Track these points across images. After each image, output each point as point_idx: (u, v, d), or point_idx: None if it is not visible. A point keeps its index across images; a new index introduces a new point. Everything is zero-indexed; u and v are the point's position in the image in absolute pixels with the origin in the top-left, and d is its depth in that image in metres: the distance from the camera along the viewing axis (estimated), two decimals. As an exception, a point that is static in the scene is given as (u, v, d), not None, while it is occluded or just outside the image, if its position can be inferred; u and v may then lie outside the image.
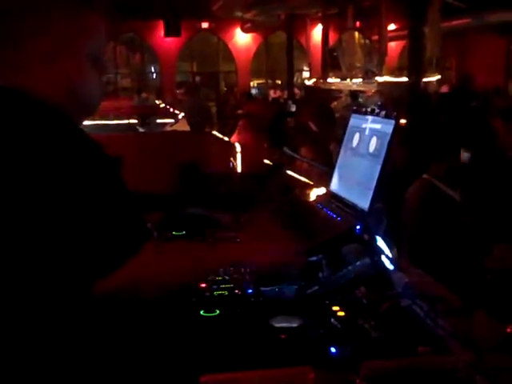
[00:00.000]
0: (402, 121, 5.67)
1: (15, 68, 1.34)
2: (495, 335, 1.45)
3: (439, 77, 13.87)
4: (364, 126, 1.79)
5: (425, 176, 3.64)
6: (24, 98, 1.30)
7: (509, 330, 1.31)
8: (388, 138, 1.59)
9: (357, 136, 1.82)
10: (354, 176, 1.79)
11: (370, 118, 1.76)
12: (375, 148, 1.66)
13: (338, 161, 1.94)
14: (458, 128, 3.98)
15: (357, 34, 18.12)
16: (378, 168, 1.60)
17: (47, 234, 1.19)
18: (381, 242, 1.63)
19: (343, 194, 1.84)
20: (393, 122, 1.59)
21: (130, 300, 1.29)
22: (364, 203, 1.63)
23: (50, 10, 1.35)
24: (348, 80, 15.91)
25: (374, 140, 1.68)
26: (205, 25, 21.55)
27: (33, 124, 1.25)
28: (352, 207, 1.73)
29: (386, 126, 1.63)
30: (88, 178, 1.23)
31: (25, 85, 1.31)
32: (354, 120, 1.89)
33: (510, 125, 6.16)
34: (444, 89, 14.50)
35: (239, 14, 17.83)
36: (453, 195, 3.62)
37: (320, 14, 18.70)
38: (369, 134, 1.73)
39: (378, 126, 1.69)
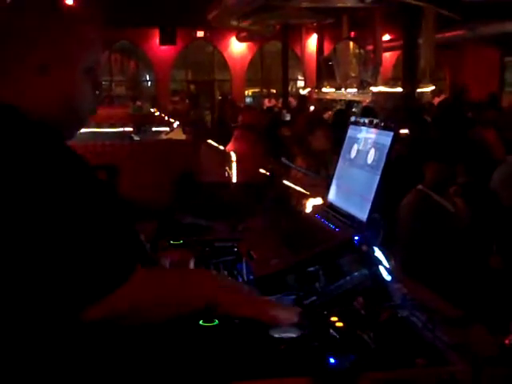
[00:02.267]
0: (403, 131, 5.68)
1: (9, 81, 1.33)
2: (492, 347, 1.45)
3: (433, 87, 13.94)
4: (362, 137, 1.80)
5: (419, 187, 3.66)
6: (13, 113, 1.29)
7: (507, 341, 1.31)
8: (387, 149, 1.60)
9: (355, 147, 1.83)
10: (352, 187, 1.80)
11: (368, 129, 1.77)
12: (373, 159, 1.67)
13: (336, 171, 1.95)
14: (454, 139, 4.01)
15: (351, 43, 18.19)
16: (377, 179, 1.61)
17: (34, 257, 1.17)
18: (378, 253, 1.64)
19: (341, 204, 1.85)
20: (391, 133, 1.60)
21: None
22: (362, 214, 1.64)
23: (46, 23, 1.35)
24: (343, 90, 15.98)
25: (372, 151, 1.69)
26: (200, 33, 21.59)
27: (18, 139, 1.24)
28: (350, 218, 1.73)
29: (385, 138, 1.64)
30: (75, 198, 1.21)
31: (18, 98, 1.31)
32: (352, 131, 1.90)
33: (501, 135, 6.21)
34: (437, 100, 14.56)
35: (235, 23, 17.87)
36: (447, 206, 3.64)
37: (315, 24, 18.82)
38: (367, 145, 1.74)
39: (376, 138, 1.70)
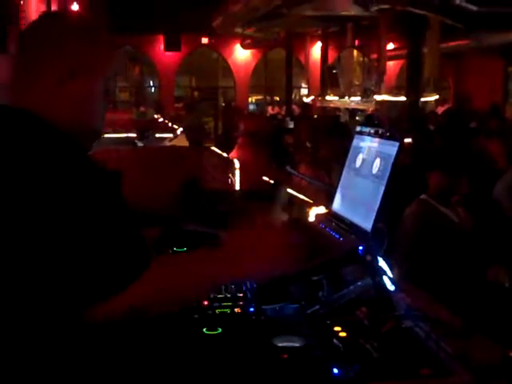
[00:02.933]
0: (407, 140, 5.68)
1: (36, 90, 1.35)
2: (495, 358, 1.45)
3: (437, 97, 13.95)
4: (367, 146, 1.80)
5: (423, 196, 3.66)
6: (30, 118, 1.30)
7: (511, 353, 1.31)
8: (392, 159, 1.61)
9: (360, 157, 1.83)
10: (356, 196, 1.80)
11: (373, 139, 1.77)
12: (379, 169, 1.67)
13: (341, 181, 1.95)
14: (457, 149, 4.00)
15: (356, 52, 18.22)
16: (382, 189, 1.61)
17: (46, 255, 1.19)
18: (382, 263, 1.64)
19: (345, 214, 1.85)
20: (397, 143, 1.61)
21: (132, 321, 1.29)
22: (367, 224, 1.64)
23: (71, 34, 1.37)
24: (346, 98, 16.00)
25: (377, 161, 1.69)
26: (204, 40, 21.65)
27: (34, 144, 1.26)
28: (354, 227, 1.73)
29: (390, 148, 1.64)
30: (89, 200, 1.23)
31: (37, 105, 1.32)
32: (357, 140, 1.91)
33: (505, 145, 6.22)
34: (441, 109, 14.57)
35: (239, 30, 17.93)
36: (450, 215, 3.64)
37: (319, 32, 18.84)
38: (372, 155, 1.74)
39: (381, 148, 1.70)
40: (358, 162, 1.84)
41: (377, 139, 1.75)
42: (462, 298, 2.85)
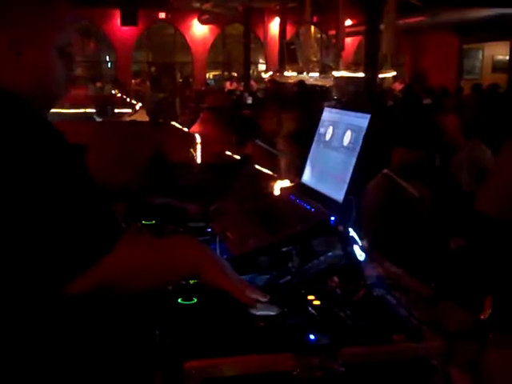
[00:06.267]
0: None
1: None
2: (463, 322, 1.50)
3: (395, 73, 14.09)
4: (338, 120, 1.82)
5: (385, 171, 3.72)
6: None
7: (482, 317, 1.36)
8: (363, 132, 1.63)
9: (330, 130, 1.86)
10: (327, 168, 1.82)
11: (344, 112, 1.80)
12: (350, 141, 1.69)
13: (310, 153, 1.97)
14: (418, 125, 4.07)
15: (313, 28, 18.23)
16: (353, 161, 1.64)
17: (13, 230, 1.17)
18: (353, 234, 1.67)
19: (315, 185, 1.87)
20: (368, 116, 1.63)
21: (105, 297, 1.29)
22: (338, 195, 1.67)
23: (17, 3, 1.34)
24: (305, 74, 16.03)
25: (348, 133, 1.71)
26: (162, 15, 21.37)
27: None
28: (325, 199, 1.76)
29: (361, 120, 1.66)
30: (55, 171, 1.21)
31: None
32: (327, 114, 1.93)
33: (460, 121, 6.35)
34: (397, 85, 14.73)
35: (197, 4, 17.76)
36: (411, 190, 3.71)
37: (278, 8, 18.77)
38: (343, 127, 1.76)
39: (352, 120, 1.72)
40: (328, 135, 1.86)
41: (347, 112, 1.77)
42: (426, 268, 2.92)
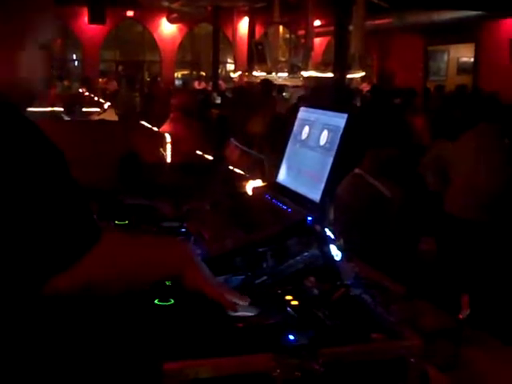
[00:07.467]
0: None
1: None
2: (439, 322, 1.51)
3: (363, 73, 14.20)
4: (314, 119, 1.82)
5: (356, 171, 3.74)
6: None
7: (460, 316, 1.37)
8: (340, 131, 1.63)
9: (306, 129, 1.85)
10: (303, 168, 1.81)
11: (320, 111, 1.79)
12: (326, 141, 1.69)
13: (286, 153, 1.97)
14: (389, 126, 4.10)
15: (282, 28, 18.27)
16: (330, 160, 1.63)
17: None
18: (329, 234, 1.67)
19: (291, 185, 1.86)
20: (345, 115, 1.63)
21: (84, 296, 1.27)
22: (315, 195, 1.67)
23: None
24: (273, 74, 16.06)
25: (325, 133, 1.71)
26: (130, 13, 21.21)
27: None
28: (301, 198, 1.75)
29: (339, 120, 1.66)
30: (36, 169, 1.19)
31: None
32: (303, 113, 1.92)
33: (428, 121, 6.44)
34: (365, 86, 14.85)
35: (165, 3, 17.65)
36: (382, 189, 3.73)
37: (247, 8, 18.77)
38: (320, 127, 1.76)
39: (329, 120, 1.72)
40: (304, 135, 1.86)
41: (324, 111, 1.77)
42: (397, 268, 2.94)
